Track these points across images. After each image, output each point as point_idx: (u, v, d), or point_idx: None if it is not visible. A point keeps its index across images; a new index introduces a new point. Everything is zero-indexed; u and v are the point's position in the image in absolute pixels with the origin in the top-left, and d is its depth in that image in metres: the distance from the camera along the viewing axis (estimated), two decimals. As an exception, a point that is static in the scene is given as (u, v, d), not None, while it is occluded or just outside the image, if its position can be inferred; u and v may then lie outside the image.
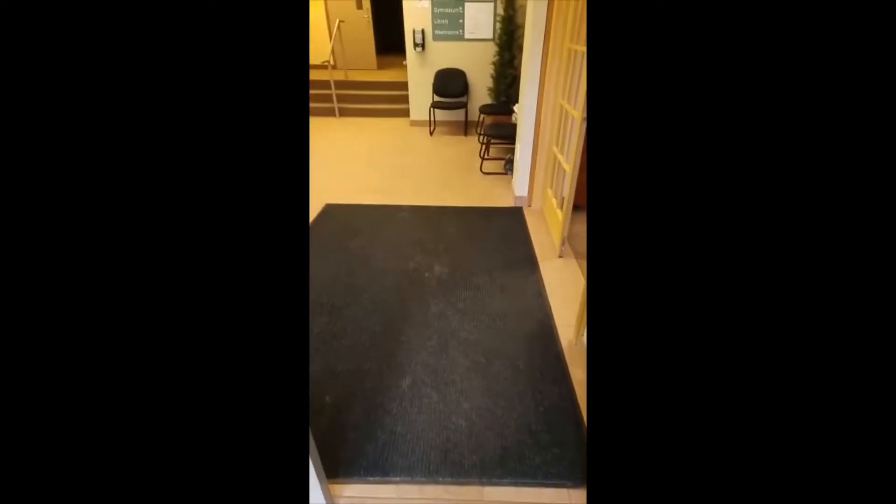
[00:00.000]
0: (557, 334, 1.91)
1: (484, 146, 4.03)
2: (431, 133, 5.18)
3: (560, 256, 2.54)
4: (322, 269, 2.43)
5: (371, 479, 1.33)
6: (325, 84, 5.65)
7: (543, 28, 2.60)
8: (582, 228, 2.79)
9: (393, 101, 5.79)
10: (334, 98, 5.69)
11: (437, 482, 1.32)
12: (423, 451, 1.41)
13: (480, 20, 4.84)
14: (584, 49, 2.09)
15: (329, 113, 5.78)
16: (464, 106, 5.10)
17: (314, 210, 3.15)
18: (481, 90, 5.12)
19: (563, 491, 1.29)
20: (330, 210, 3.17)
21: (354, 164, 4.16)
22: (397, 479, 1.33)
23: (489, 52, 4.87)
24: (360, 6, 6.64)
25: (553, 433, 1.45)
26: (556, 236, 2.61)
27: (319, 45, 6.36)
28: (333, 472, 1.35)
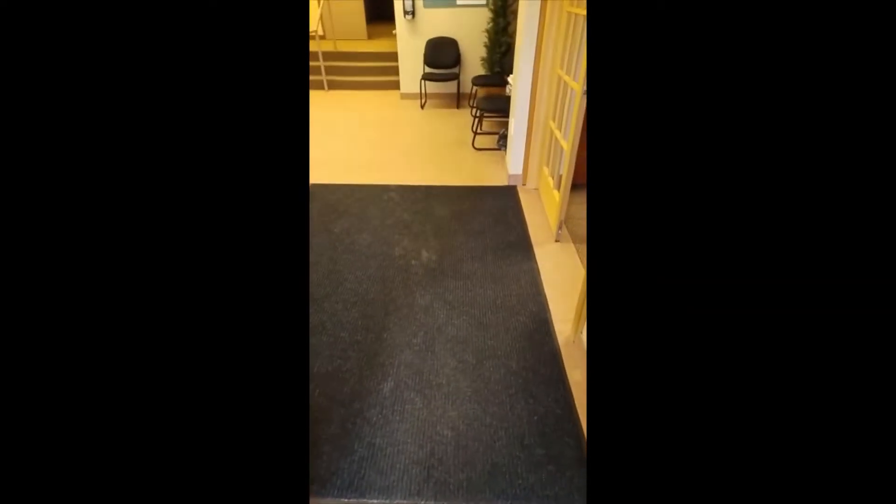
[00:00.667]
0: (553, 330, 1.75)
1: (476, 120, 3.79)
2: (422, 106, 4.91)
3: (557, 241, 2.37)
4: (301, 257, 2.25)
5: (345, 500, 1.20)
6: (313, 55, 5.32)
7: (541, -12, 2.34)
8: (580, 210, 2.61)
9: (383, 72, 5.48)
10: (322, 70, 5.38)
11: (418, 504, 1.19)
12: (404, 467, 1.27)
13: (473, -17, 4.50)
14: (586, 12, 1.85)
15: (318, 86, 5.48)
16: (456, 77, 4.81)
17: (295, 191, 2.94)
18: (474, 60, 4.82)
19: (559, 515, 1.16)
20: (315, 191, 2.97)
21: (342, 139, 3.93)
22: (375, 501, 1.19)
23: (482, 18, 4.55)
24: (346, -31, 6.21)
25: (548, 447, 1.31)
26: (553, 218, 2.43)
27: (304, 13, 5.96)
28: (303, 493, 1.21)
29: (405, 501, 1.19)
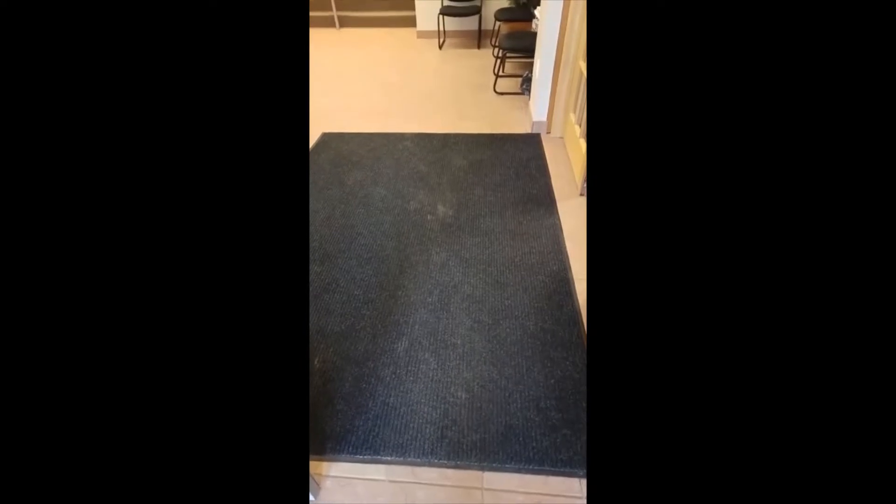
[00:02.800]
0: (574, 290, 1.68)
1: (499, 61, 3.52)
2: (441, 46, 4.58)
3: (582, 194, 2.24)
4: (316, 209, 2.19)
5: (360, 457, 1.21)
6: (323, -11, 4.97)
7: None
8: (608, 160, 2.43)
9: (398, 6, 5.09)
10: (333, 5, 5.04)
11: (432, 464, 1.19)
12: (417, 426, 1.27)
13: None
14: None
15: (328, 23, 5.17)
16: (477, 11, 4.43)
17: (311, 140, 2.84)
18: (498, -9, 4.41)
19: (574, 481, 1.15)
20: (327, 140, 2.86)
21: (355, 83, 3.73)
22: (388, 458, 1.21)
23: (508, -60, 4.10)
24: None
25: (564, 411, 1.28)
26: (579, 170, 2.28)
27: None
28: (320, 449, 1.23)
29: (419, 460, 1.20)
